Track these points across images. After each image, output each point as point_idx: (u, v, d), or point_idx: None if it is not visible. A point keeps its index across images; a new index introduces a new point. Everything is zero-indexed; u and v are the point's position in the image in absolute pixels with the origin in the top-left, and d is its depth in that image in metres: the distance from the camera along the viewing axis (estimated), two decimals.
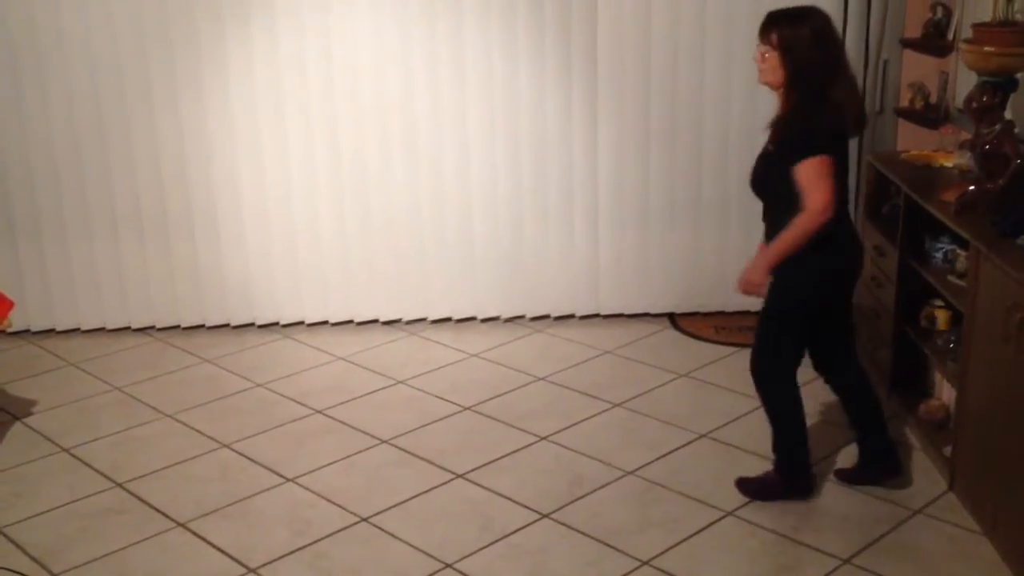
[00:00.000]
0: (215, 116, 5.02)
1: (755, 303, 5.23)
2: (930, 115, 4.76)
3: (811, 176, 3.12)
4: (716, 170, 5.12)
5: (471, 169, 5.12)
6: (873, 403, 3.59)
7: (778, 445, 3.55)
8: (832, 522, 3.46)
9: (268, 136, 5.05)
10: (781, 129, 3.21)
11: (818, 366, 3.60)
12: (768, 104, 4.96)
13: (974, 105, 3.55)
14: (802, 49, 3.12)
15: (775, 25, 3.17)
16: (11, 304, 4.24)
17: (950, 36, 4.59)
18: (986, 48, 3.49)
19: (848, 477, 3.68)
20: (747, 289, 3.37)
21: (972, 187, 3.58)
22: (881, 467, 3.63)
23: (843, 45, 3.25)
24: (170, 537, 3.49)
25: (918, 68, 4.89)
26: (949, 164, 4.17)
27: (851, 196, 3.45)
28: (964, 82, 4.37)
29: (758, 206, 5.16)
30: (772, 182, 3.27)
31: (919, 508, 3.53)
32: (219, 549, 3.41)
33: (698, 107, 5.03)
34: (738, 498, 3.62)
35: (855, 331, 3.61)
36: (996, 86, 3.51)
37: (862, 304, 4.70)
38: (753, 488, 3.61)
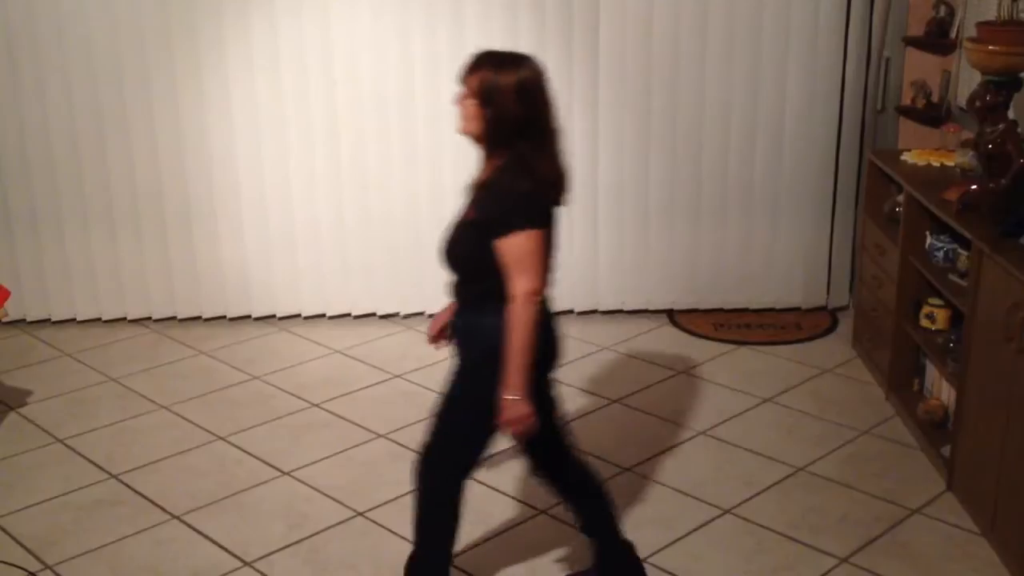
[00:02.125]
0: (214, 109, 4.99)
1: (755, 299, 5.31)
2: (932, 114, 4.75)
3: (519, 254, 2.59)
4: (715, 167, 5.10)
5: (470, 164, 5.06)
6: (604, 501, 3.07)
7: (419, 565, 2.95)
8: (830, 521, 3.45)
9: (267, 129, 5.03)
10: (488, 193, 2.66)
11: (536, 468, 3.03)
12: (770, 104, 5.01)
13: (978, 104, 3.54)
14: (501, 101, 2.60)
15: (477, 68, 2.66)
16: (7, 294, 4.22)
17: (953, 35, 4.57)
18: (990, 47, 3.47)
19: None
20: (518, 432, 2.70)
21: (975, 186, 3.57)
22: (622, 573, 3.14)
23: (552, 106, 2.67)
24: (165, 529, 3.47)
25: (920, 66, 4.88)
26: (951, 163, 4.16)
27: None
28: (967, 81, 4.36)
29: (755, 205, 5.24)
30: (471, 255, 2.68)
31: (917, 508, 3.52)
32: (214, 542, 3.39)
33: (698, 105, 5.01)
34: (736, 495, 3.60)
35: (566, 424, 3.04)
36: (1000, 85, 3.50)
37: (862, 304, 4.70)
38: None
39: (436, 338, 3.03)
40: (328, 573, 3.22)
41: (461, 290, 2.78)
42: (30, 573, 3.24)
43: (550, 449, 2.97)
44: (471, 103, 2.65)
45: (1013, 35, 3.50)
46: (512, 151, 2.63)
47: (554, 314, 2.81)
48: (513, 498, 3.62)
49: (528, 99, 2.62)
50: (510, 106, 2.60)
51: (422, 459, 2.88)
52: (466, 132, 2.70)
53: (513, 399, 2.63)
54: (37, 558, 3.32)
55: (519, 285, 2.59)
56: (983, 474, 3.34)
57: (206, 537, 3.42)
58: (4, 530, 3.48)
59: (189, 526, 3.48)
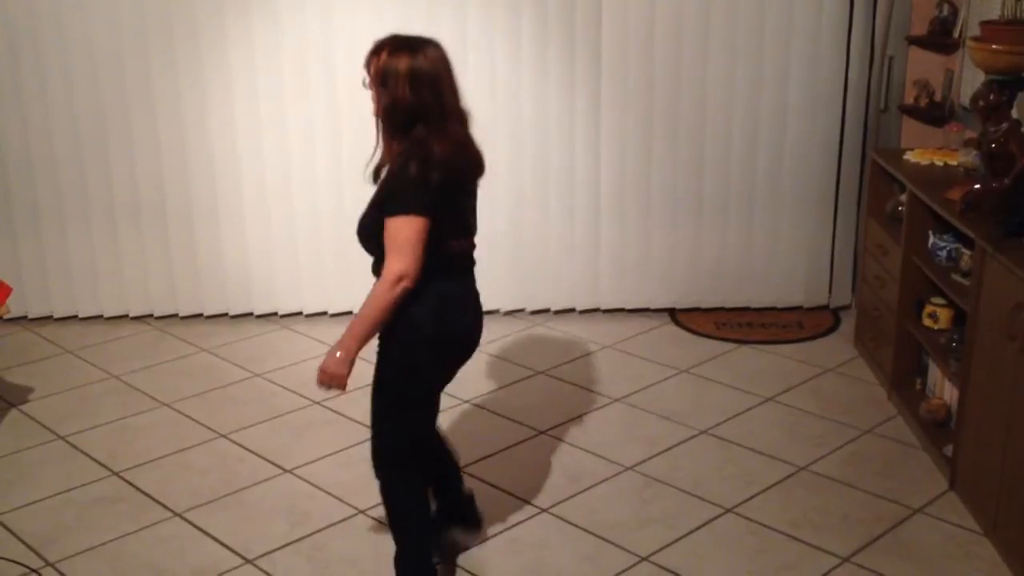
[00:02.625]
0: (215, 106, 4.99)
1: (757, 298, 5.30)
2: (935, 113, 4.74)
3: (396, 237, 2.65)
4: (718, 166, 5.10)
5: None
6: (455, 461, 3.30)
7: (402, 558, 3.03)
8: (832, 520, 3.45)
9: (268, 126, 5.02)
10: (385, 177, 2.75)
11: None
12: (773, 102, 5.00)
13: (981, 103, 3.53)
14: (394, 86, 2.66)
15: (377, 52, 2.72)
16: (9, 290, 4.21)
17: (956, 34, 4.57)
18: (994, 46, 3.47)
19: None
20: (323, 380, 2.76)
21: (978, 186, 3.55)
22: (464, 520, 3.34)
23: (454, 89, 2.75)
24: (167, 527, 3.47)
25: (923, 65, 4.87)
26: (954, 162, 4.16)
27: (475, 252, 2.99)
28: (970, 80, 4.35)
29: (758, 204, 5.23)
30: (373, 234, 2.75)
31: (919, 507, 3.51)
32: (216, 540, 3.39)
33: (701, 104, 5.01)
34: (740, 494, 3.60)
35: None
36: (1003, 84, 3.49)
37: (864, 303, 4.70)
38: None
39: None
40: (329, 570, 3.22)
41: (376, 269, 2.81)
42: (32, 570, 3.24)
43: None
44: (373, 86, 2.72)
45: (1016, 34, 3.50)
46: (410, 137, 2.68)
47: (464, 303, 2.90)
48: (514, 496, 3.61)
49: (420, 86, 2.67)
50: (401, 92, 2.66)
51: (372, 455, 2.97)
52: (375, 112, 2.76)
53: (337, 356, 2.71)
54: (38, 555, 3.32)
55: (390, 264, 2.65)
56: (985, 474, 3.34)
57: (207, 535, 3.42)
58: (6, 527, 3.48)
59: (191, 523, 3.48)
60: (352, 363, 2.73)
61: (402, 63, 2.67)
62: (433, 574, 3.05)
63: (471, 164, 2.83)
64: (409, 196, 2.66)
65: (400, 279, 2.65)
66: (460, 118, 2.78)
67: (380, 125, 2.77)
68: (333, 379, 2.74)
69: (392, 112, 2.70)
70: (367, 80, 2.75)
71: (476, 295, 2.99)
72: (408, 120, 2.69)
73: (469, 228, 2.91)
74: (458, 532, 3.34)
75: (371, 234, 2.77)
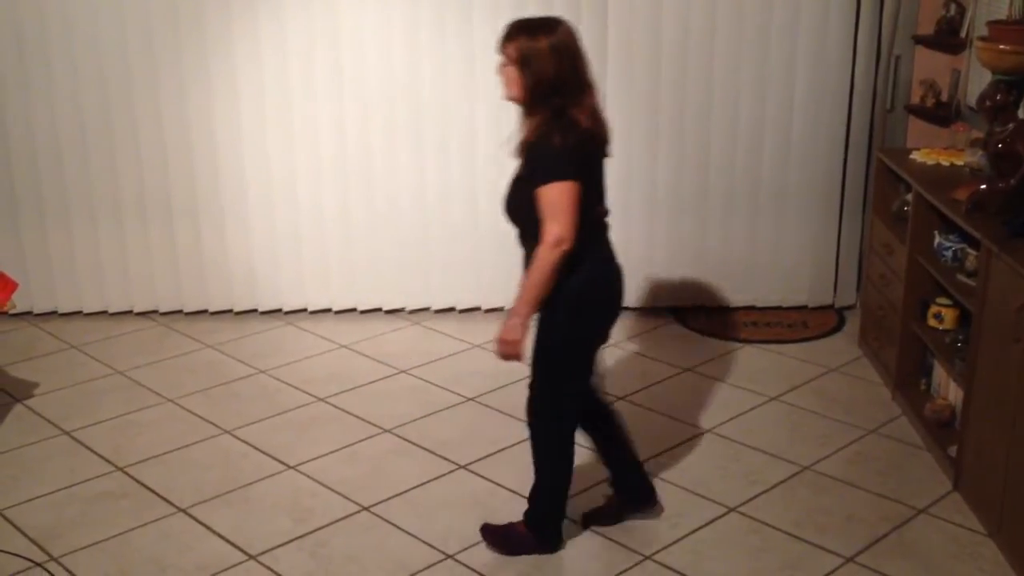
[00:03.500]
0: (221, 101, 4.99)
1: (762, 298, 5.29)
2: (941, 113, 4.73)
3: (552, 203, 2.84)
4: (723, 165, 5.09)
5: (477, 159, 5.09)
6: (624, 433, 3.41)
7: (539, 494, 3.26)
8: (836, 520, 3.44)
9: (274, 123, 5.02)
10: (529, 150, 2.92)
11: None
12: (779, 102, 4.99)
13: (988, 103, 3.53)
14: (538, 63, 2.87)
15: (513, 37, 2.92)
16: (14, 286, 4.22)
17: (963, 33, 4.55)
18: (1001, 46, 3.46)
19: (601, 518, 3.44)
20: (505, 352, 2.98)
21: (984, 186, 3.55)
22: (639, 499, 3.45)
23: (586, 62, 2.96)
24: (171, 522, 3.47)
25: (930, 65, 4.86)
26: (960, 162, 4.15)
27: (609, 219, 3.10)
28: (976, 80, 4.34)
29: (763, 203, 5.22)
30: (524, 208, 2.93)
31: (923, 508, 3.51)
32: (220, 535, 3.39)
33: (707, 103, 5.00)
34: (743, 493, 3.60)
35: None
36: (1010, 85, 3.49)
37: (869, 303, 4.69)
38: (497, 538, 3.30)
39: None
40: (333, 567, 3.22)
41: (525, 243, 3.03)
42: (35, 564, 3.25)
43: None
44: (511, 69, 2.91)
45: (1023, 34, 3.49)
46: (549, 110, 2.88)
47: (611, 266, 3.07)
48: (518, 495, 3.61)
49: (560, 60, 2.87)
50: (545, 68, 2.86)
51: (528, 407, 3.15)
52: (510, 97, 2.96)
53: (512, 324, 2.93)
54: (42, 549, 3.32)
55: (549, 230, 2.84)
56: (990, 474, 3.33)
57: (211, 530, 3.42)
58: (10, 521, 3.49)
59: (194, 519, 3.49)
60: (527, 329, 2.94)
61: (542, 42, 2.87)
62: (561, 518, 3.27)
63: (604, 132, 3.00)
64: (558, 163, 2.85)
65: (560, 242, 2.84)
66: (592, 89, 2.97)
67: (523, 104, 2.94)
68: (512, 346, 2.95)
69: (536, 88, 2.88)
70: (502, 64, 2.93)
71: (609, 257, 3.11)
72: (550, 94, 2.87)
73: (603, 195, 3.07)
74: (633, 511, 3.43)
75: (519, 206, 2.96)
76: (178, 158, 5.07)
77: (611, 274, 3.08)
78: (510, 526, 3.30)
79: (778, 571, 3.19)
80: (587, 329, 3.07)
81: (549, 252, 2.85)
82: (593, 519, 3.42)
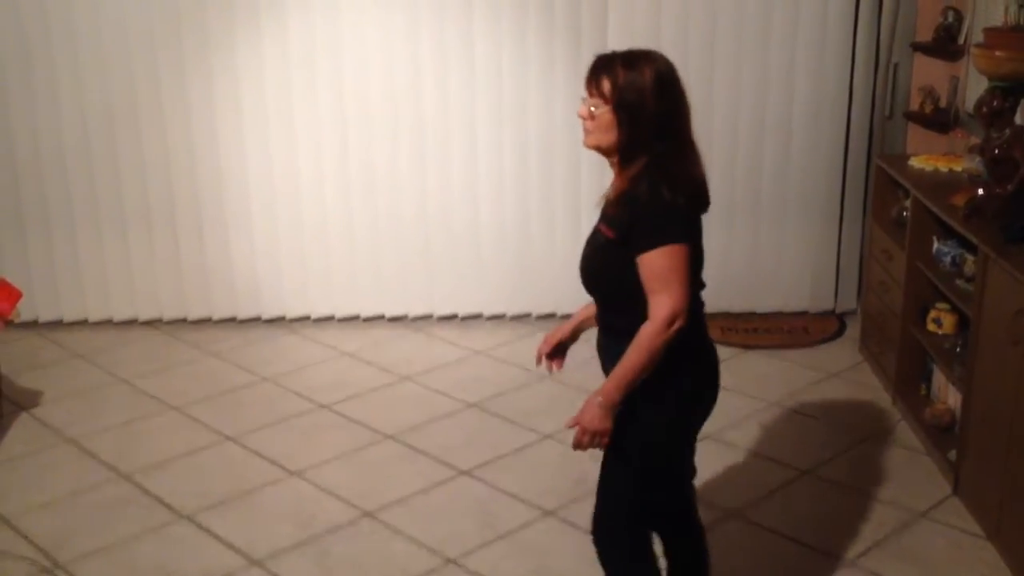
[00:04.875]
0: (224, 110, 5.03)
1: (763, 303, 5.31)
2: (940, 119, 4.75)
3: (663, 272, 2.31)
4: (723, 170, 5.10)
5: (478, 167, 5.12)
6: (702, 535, 2.81)
7: None
8: (835, 524, 3.46)
9: (277, 132, 5.06)
10: (624, 207, 2.38)
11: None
12: (778, 109, 5.02)
13: (984, 110, 3.54)
14: (642, 101, 2.33)
15: (607, 70, 2.37)
16: (19, 295, 4.25)
17: (961, 40, 4.58)
18: (997, 52, 3.49)
19: None
20: (587, 443, 2.42)
21: (981, 191, 3.57)
22: None
23: (688, 103, 2.44)
24: (175, 529, 3.49)
25: (929, 72, 4.88)
26: (959, 168, 4.17)
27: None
28: (975, 86, 4.36)
29: (763, 209, 5.24)
30: (612, 275, 2.43)
31: (923, 511, 3.52)
32: (223, 542, 3.42)
33: (707, 110, 5.02)
34: (743, 498, 3.62)
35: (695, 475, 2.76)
36: (1007, 91, 3.50)
37: (869, 308, 4.71)
38: None
39: (550, 357, 2.78)
40: (336, 573, 3.24)
41: (607, 317, 2.52)
42: (43, 570, 3.27)
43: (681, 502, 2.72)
44: (605, 110, 2.36)
45: (1020, 40, 3.52)
46: (649, 158, 2.37)
47: (710, 348, 2.55)
48: (520, 500, 3.63)
49: (667, 94, 2.37)
50: (649, 104, 2.34)
51: (598, 522, 2.66)
52: (596, 144, 2.42)
53: (600, 405, 2.37)
54: (49, 556, 3.34)
55: (660, 304, 2.31)
56: (989, 478, 3.35)
57: (215, 537, 3.44)
58: (16, 528, 3.51)
59: (198, 526, 3.51)
60: (614, 417, 2.39)
61: (646, 74, 2.35)
62: None
63: (706, 189, 2.47)
64: (670, 223, 2.33)
65: (674, 319, 2.31)
66: (692, 136, 2.46)
67: (612, 153, 2.41)
68: (600, 436, 2.40)
69: (636, 130, 2.35)
70: (588, 106, 2.39)
71: (710, 341, 2.60)
72: (651, 138, 2.36)
73: (703, 262, 2.52)
74: None
75: (604, 272, 2.45)
76: (181, 168, 5.10)
77: (712, 356, 2.55)
78: None
79: (778, 575, 3.21)
80: (695, 426, 2.56)
81: (662, 331, 2.30)
82: None
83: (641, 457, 2.49)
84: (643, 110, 2.34)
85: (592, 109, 2.38)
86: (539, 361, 2.79)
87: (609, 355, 2.48)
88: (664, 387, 2.40)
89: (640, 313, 2.34)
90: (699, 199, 2.44)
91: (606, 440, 2.41)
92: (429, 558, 3.30)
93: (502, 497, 3.65)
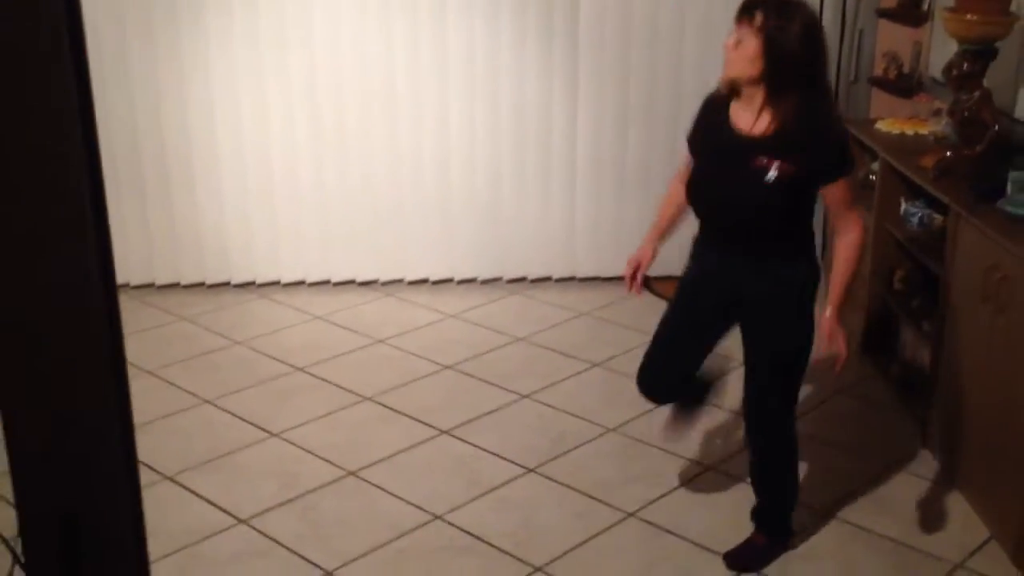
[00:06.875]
0: (192, 70, 4.97)
1: None
2: (903, 84, 4.84)
3: (850, 192, 2.78)
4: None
5: (450, 131, 5.13)
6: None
7: (779, 503, 3.13)
8: (810, 476, 3.54)
9: (246, 93, 5.01)
10: (808, 142, 2.66)
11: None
12: None
13: (955, 72, 3.63)
14: (789, 40, 2.57)
15: (760, 6, 2.59)
16: None
17: (925, 7, 4.66)
18: (968, 16, 3.56)
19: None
20: (844, 347, 2.80)
21: (950, 153, 3.67)
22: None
23: (827, 50, 2.71)
24: (159, 490, 3.49)
25: (892, 38, 4.97)
26: (924, 131, 4.26)
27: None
28: (938, 52, 4.45)
29: None
30: (786, 207, 2.75)
31: (894, 463, 3.63)
32: (208, 501, 3.42)
33: (676, 77, 5.07)
34: (717, 452, 3.70)
35: None
36: (976, 54, 3.58)
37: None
38: (745, 560, 3.08)
39: (634, 279, 3.16)
40: (323, 529, 3.27)
41: (764, 244, 2.82)
42: None
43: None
44: (753, 42, 2.59)
45: (990, 4, 3.59)
46: (799, 97, 2.62)
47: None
48: (501, 458, 3.68)
49: (812, 39, 2.61)
50: (795, 45, 2.57)
51: (768, 418, 3.01)
52: (737, 75, 2.67)
53: (836, 318, 2.78)
54: None
55: (855, 221, 2.78)
56: (958, 431, 3.46)
57: (200, 496, 3.45)
58: None
59: (182, 486, 3.51)
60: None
61: (796, 18, 2.58)
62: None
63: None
64: (848, 153, 2.75)
65: (864, 229, 2.81)
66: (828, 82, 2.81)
67: (754, 84, 2.66)
68: (845, 337, 2.79)
69: (782, 70, 2.60)
70: (735, 39, 2.64)
71: None
72: (796, 79, 2.61)
73: None
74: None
75: (777, 206, 2.73)
76: (150, 131, 5.04)
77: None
78: (750, 546, 3.10)
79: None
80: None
81: (862, 244, 2.81)
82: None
83: (803, 354, 2.89)
84: (788, 49, 2.57)
85: (739, 40, 2.62)
86: (630, 287, 3.16)
87: (764, 276, 2.83)
88: (811, 292, 2.86)
89: (801, 239, 2.82)
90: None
91: (847, 339, 2.81)
92: (416, 514, 3.34)
93: (484, 455, 3.70)
